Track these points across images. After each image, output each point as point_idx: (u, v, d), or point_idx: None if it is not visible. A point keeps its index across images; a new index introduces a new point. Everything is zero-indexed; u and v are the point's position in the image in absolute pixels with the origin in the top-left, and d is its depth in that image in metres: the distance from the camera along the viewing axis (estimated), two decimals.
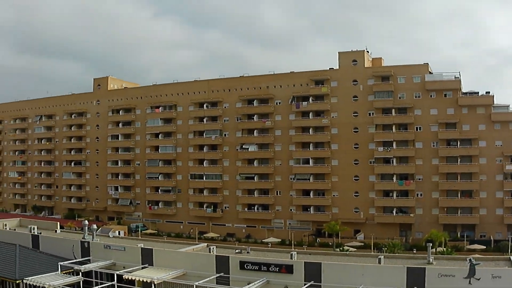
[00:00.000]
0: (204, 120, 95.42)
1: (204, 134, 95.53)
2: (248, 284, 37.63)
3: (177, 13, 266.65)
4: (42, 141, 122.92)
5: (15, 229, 65.21)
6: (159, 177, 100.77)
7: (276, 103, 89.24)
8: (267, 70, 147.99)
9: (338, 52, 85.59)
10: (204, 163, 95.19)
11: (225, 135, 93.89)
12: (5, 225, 65.21)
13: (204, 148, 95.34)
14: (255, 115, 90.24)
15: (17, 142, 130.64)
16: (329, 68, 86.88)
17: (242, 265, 39.45)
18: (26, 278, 44.02)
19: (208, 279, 38.95)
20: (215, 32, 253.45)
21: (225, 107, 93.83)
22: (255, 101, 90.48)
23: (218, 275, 39.56)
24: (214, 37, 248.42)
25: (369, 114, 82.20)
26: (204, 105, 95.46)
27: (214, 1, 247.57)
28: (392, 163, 79.82)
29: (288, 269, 37.97)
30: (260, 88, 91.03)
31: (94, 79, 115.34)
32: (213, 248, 45.92)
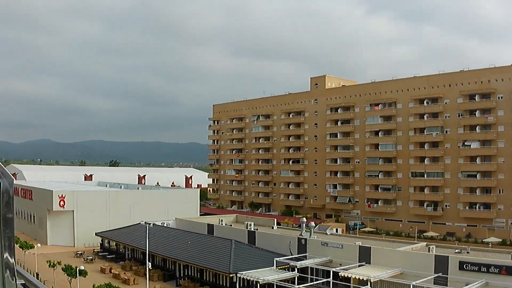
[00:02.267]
0: (425, 116, 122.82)
1: (424, 131, 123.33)
2: (466, 285, 45.96)
3: (391, 9, 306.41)
4: (260, 140, 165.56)
5: (231, 225, 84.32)
6: (379, 175, 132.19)
7: (498, 98, 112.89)
8: (487, 63, 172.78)
9: None
10: (425, 160, 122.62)
11: (446, 131, 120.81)
12: (221, 220, 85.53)
13: (425, 146, 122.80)
14: (477, 111, 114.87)
15: (234, 141, 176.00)
16: None
17: (461, 265, 47.86)
18: (240, 272, 55.95)
19: (425, 279, 47.98)
20: (431, 27, 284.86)
21: (445, 103, 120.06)
22: (476, 96, 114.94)
23: (436, 275, 48.45)
24: (431, 32, 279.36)
25: None
26: (424, 102, 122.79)
27: None
28: None
29: (508, 270, 45.60)
30: (482, 82, 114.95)
31: (311, 78, 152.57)
32: (432, 247, 56.65)
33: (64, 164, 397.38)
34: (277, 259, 59.59)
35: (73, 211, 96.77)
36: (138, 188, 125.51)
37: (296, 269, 58.15)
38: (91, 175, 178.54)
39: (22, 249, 73.43)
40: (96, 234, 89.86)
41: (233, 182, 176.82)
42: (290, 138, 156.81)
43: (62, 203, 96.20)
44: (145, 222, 69.10)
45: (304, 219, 74.24)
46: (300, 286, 54.86)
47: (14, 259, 3.20)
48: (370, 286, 51.25)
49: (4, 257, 3.03)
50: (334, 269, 54.97)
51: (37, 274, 66.92)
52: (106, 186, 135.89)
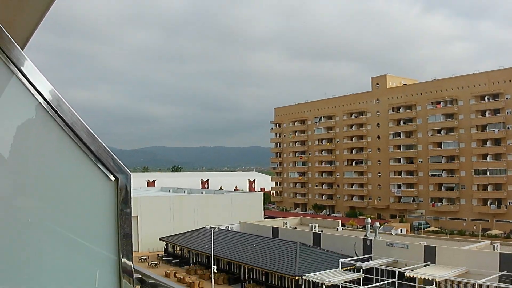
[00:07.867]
0: (486, 113, 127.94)
1: (487, 128, 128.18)
2: None
3: (446, 6, 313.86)
4: (322, 141, 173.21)
5: (295, 227, 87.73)
6: (442, 174, 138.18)
7: None
8: None
9: None
10: (488, 158, 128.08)
11: (508, 127, 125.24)
12: (286, 223, 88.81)
13: (488, 143, 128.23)
14: None
15: (297, 143, 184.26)
16: None
17: None
18: (306, 275, 58.71)
19: (490, 277, 49.96)
20: (488, 23, 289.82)
21: (506, 98, 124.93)
22: None
23: (501, 273, 50.04)
24: (488, 27, 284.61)
25: None
26: (485, 98, 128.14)
27: None
28: None
29: None
30: None
31: (371, 78, 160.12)
32: (497, 245, 59.03)
33: None
34: (342, 260, 62.57)
35: (136, 216, 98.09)
36: (201, 193, 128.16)
37: (361, 270, 61.13)
38: (153, 181, 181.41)
39: None
40: (160, 239, 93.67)
41: (296, 185, 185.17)
42: (353, 139, 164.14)
43: None
44: (210, 227, 72.15)
45: (369, 220, 78.50)
46: (366, 287, 57.87)
47: (132, 259, 3.06)
48: (436, 286, 53.79)
49: (122, 261, 3.02)
50: (399, 270, 57.87)
51: None
52: (169, 191, 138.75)
